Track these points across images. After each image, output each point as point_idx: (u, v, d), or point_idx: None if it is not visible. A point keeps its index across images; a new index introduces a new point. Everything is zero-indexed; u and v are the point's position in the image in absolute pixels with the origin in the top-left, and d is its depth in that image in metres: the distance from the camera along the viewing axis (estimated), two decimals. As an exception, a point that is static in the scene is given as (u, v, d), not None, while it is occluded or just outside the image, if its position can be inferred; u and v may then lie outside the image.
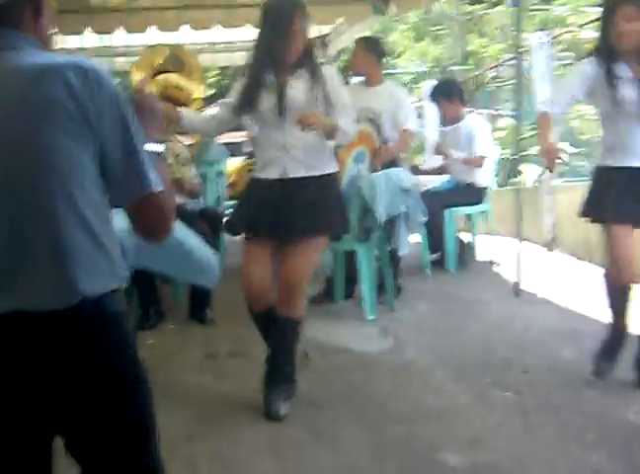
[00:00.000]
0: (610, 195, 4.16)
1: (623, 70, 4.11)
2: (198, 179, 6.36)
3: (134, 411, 1.93)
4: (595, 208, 4.26)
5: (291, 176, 4.06)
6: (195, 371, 4.86)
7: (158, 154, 2.00)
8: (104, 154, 1.81)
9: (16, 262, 1.77)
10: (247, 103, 4.05)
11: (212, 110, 5.61)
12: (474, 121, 7.61)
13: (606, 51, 4.14)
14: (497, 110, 11.93)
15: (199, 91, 4.10)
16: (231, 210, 5.02)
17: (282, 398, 4.08)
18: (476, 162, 7.40)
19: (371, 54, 6.33)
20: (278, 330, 4.13)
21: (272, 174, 4.09)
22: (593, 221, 4.35)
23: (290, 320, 4.10)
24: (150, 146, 1.94)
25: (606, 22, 4.13)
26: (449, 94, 7.55)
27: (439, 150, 7.82)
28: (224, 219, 6.86)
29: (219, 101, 4.18)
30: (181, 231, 4.25)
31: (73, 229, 1.78)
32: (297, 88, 4.03)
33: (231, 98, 4.17)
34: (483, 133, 7.51)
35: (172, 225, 1.99)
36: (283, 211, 4.03)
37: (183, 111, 4.12)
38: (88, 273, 1.80)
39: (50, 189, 1.76)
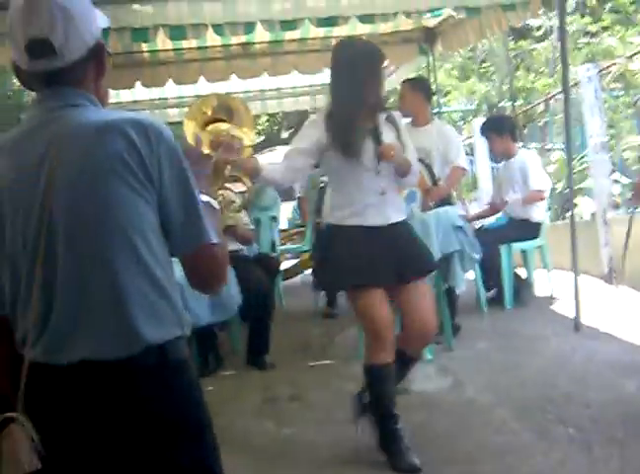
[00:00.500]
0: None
1: None
2: (251, 225, 6.43)
3: (203, 456, 1.95)
4: None
5: (392, 221, 4.03)
6: (254, 416, 4.88)
7: (210, 205, 2.04)
8: (163, 205, 1.87)
9: (81, 311, 1.83)
10: (351, 150, 3.92)
11: (270, 156, 5.69)
12: (526, 156, 7.58)
13: None
14: (547, 144, 11.87)
15: (249, 138, 4.13)
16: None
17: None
18: (535, 198, 7.35)
19: (419, 94, 6.39)
20: (403, 370, 4.13)
21: (371, 221, 3.98)
22: None
23: (417, 360, 4.19)
24: (202, 197, 1.99)
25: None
26: (500, 129, 7.54)
27: (495, 199, 7.77)
28: (279, 264, 6.95)
29: (289, 150, 4.11)
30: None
31: (135, 278, 1.83)
32: (387, 133, 4.02)
33: (302, 144, 4.03)
34: (536, 167, 7.48)
35: (226, 276, 2.03)
36: (393, 256, 3.96)
37: (261, 163, 3.97)
38: (151, 320, 1.84)
39: (112, 240, 1.82)
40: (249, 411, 4.98)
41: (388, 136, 4.01)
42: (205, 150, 3.72)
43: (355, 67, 3.93)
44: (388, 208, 4.03)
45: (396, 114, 4.20)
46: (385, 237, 3.99)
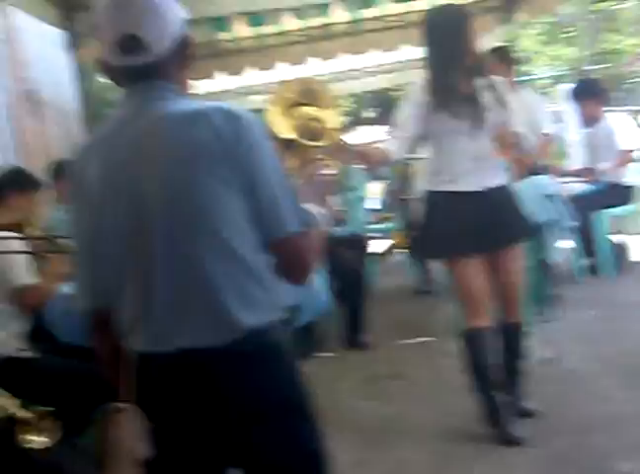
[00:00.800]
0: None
1: None
2: (339, 206, 6.43)
3: (306, 437, 1.99)
4: None
5: (491, 186, 3.99)
6: (356, 396, 4.89)
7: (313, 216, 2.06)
8: (251, 192, 1.88)
9: (179, 303, 1.87)
10: (452, 110, 3.88)
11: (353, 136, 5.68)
12: (614, 120, 7.40)
13: None
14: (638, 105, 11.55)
15: (333, 121, 4.12)
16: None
17: (526, 397, 4.15)
18: (624, 160, 7.19)
19: (502, 64, 6.28)
20: (511, 337, 4.15)
21: (469, 186, 3.96)
22: None
23: (520, 325, 4.17)
24: (312, 208, 2.00)
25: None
26: (593, 94, 7.38)
27: (587, 165, 7.61)
28: (368, 243, 6.94)
29: (390, 130, 4.10)
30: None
31: (227, 267, 1.86)
32: (484, 96, 3.97)
33: (408, 115, 4.00)
34: (626, 129, 7.29)
35: (310, 269, 2.03)
36: (488, 223, 3.95)
37: (384, 147, 4.00)
38: (246, 306, 1.87)
39: (198, 227, 1.85)
40: (351, 391, 4.99)
41: (488, 100, 3.96)
42: (291, 135, 3.73)
43: (445, 33, 3.91)
44: (484, 173, 3.99)
45: (498, 78, 4.13)
46: (481, 203, 3.96)
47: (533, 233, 4.44)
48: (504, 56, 6.38)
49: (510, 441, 3.89)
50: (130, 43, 1.88)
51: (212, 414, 1.88)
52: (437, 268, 6.17)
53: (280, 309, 1.97)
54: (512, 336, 4.17)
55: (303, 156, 3.72)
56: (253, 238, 1.90)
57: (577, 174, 7.66)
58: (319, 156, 4.27)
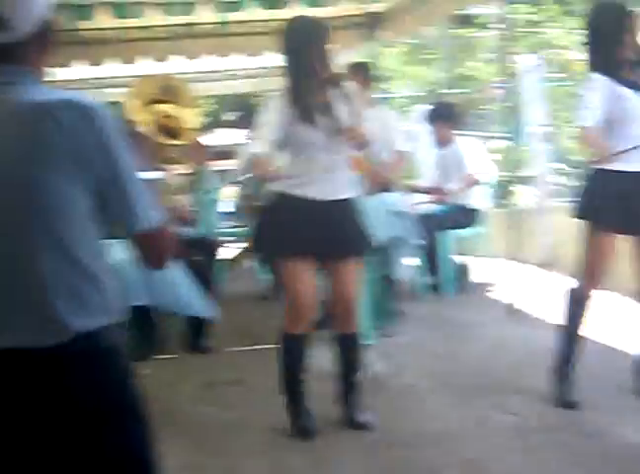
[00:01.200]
0: (609, 200, 4.19)
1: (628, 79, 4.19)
2: (191, 207, 6.35)
3: (134, 445, 1.93)
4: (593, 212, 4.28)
5: (336, 197, 4.08)
6: (194, 401, 4.84)
7: (152, 181, 2.02)
8: (99, 189, 1.83)
9: (5, 300, 1.79)
10: (309, 117, 3.98)
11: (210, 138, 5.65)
12: (465, 144, 7.63)
13: (614, 65, 4.18)
14: (489, 132, 11.96)
15: (192, 121, 4.09)
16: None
17: (362, 408, 4.26)
18: (470, 182, 7.43)
19: (360, 79, 6.37)
20: (344, 348, 4.26)
21: (316, 194, 4.04)
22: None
23: (355, 335, 4.27)
24: (146, 174, 1.96)
25: (614, 37, 4.16)
26: (446, 116, 7.58)
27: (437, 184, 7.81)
28: (218, 247, 6.90)
29: (251, 134, 4.12)
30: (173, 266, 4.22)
31: (58, 267, 1.79)
32: (339, 108, 4.05)
33: (268, 122, 4.07)
34: (475, 154, 7.51)
35: (168, 255, 2.01)
36: (328, 231, 4.03)
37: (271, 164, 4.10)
38: (77, 309, 1.81)
39: (37, 227, 1.78)
40: (189, 395, 4.93)
41: (342, 110, 4.04)
42: (148, 131, 3.67)
43: (303, 42, 4.00)
44: (334, 185, 4.08)
45: (351, 86, 4.22)
46: (325, 212, 4.06)
47: (371, 249, 4.53)
48: (362, 72, 6.46)
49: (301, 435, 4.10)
50: None
51: (32, 417, 1.80)
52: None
53: (117, 312, 1.92)
54: (346, 347, 4.28)
55: (158, 153, 3.68)
56: (94, 238, 1.86)
57: (426, 191, 7.86)
58: (173, 154, 4.23)
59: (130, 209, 1.86)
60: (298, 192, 4.07)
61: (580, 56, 10.30)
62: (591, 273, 4.32)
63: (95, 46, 8.00)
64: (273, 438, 4.18)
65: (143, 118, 3.86)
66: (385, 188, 6.06)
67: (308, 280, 4.11)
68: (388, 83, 17.10)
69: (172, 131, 4.17)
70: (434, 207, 7.53)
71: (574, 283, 4.41)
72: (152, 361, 5.55)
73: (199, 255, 5.88)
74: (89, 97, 1.92)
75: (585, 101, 4.22)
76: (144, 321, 5.72)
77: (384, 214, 5.66)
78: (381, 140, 6.21)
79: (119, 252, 1.95)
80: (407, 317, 6.40)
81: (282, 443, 4.13)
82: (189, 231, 6.27)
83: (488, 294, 7.40)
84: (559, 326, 4.43)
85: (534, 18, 16.14)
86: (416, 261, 7.09)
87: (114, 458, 1.88)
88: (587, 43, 4.30)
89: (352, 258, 4.19)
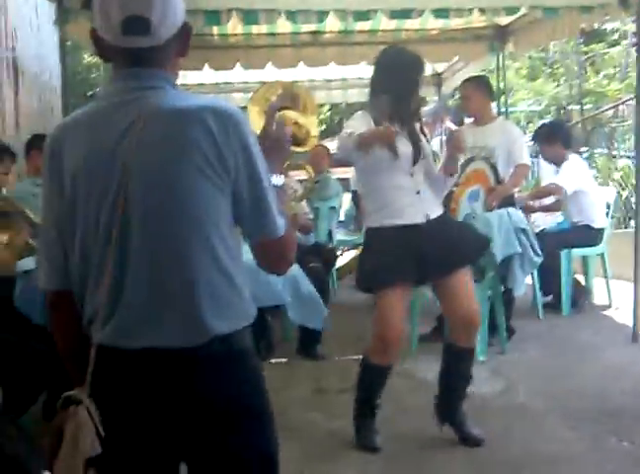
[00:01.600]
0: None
1: None
2: (310, 215, 6.42)
3: (264, 442, 1.99)
4: None
5: (432, 217, 4.09)
6: (304, 407, 4.88)
7: (280, 187, 2.04)
8: (237, 194, 1.87)
9: (151, 299, 1.84)
10: (391, 150, 4.00)
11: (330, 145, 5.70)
12: (572, 162, 7.41)
13: None
14: (614, 150, 11.67)
15: (315, 128, 4.11)
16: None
17: (470, 422, 4.26)
18: (544, 192, 7.31)
19: (481, 92, 6.33)
20: (459, 361, 4.24)
21: (411, 219, 4.05)
22: None
23: (473, 349, 4.27)
24: (273, 179, 1.99)
25: None
26: (550, 137, 7.41)
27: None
28: (336, 255, 6.93)
29: (345, 133, 4.17)
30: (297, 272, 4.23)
31: (207, 270, 1.84)
32: (422, 138, 4.13)
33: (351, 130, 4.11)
34: (566, 168, 7.28)
35: (291, 262, 2.04)
36: (429, 253, 4.02)
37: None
38: (220, 312, 1.85)
39: (187, 229, 1.82)
40: (298, 401, 4.97)
41: (423, 140, 4.13)
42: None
43: (402, 76, 4.07)
44: (425, 205, 4.09)
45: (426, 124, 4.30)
46: (428, 233, 4.05)
47: (480, 255, 4.59)
48: (482, 85, 6.43)
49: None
50: (137, 24, 1.83)
51: (170, 416, 1.86)
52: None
53: (251, 316, 1.96)
54: (461, 360, 4.24)
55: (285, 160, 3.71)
56: (233, 240, 1.90)
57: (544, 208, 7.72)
58: (299, 161, 4.28)
59: (263, 216, 1.90)
60: (393, 221, 4.08)
61: None
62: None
63: (224, 51, 8.15)
64: (382, 447, 4.17)
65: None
66: (507, 203, 5.98)
67: (399, 312, 4.08)
68: (512, 96, 16.90)
69: (296, 138, 4.20)
70: (554, 225, 7.38)
71: None
72: (265, 365, 5.61)
73: (316, 262, 5.92)
74: (228, 103, 1.96)
75: None
76: (261, 324, 5.79)
77: (505, 230, 5.58)
78: (504, 154, 6.14)
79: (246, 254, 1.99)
80: (522, 335, 6.30)
81: (389, 454, 4.12)
82: (308, 238, 6.34)
83: (608, 316, 7.20)
84: None
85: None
86: (534, 278, 6.96)
87: (246, 458, 1.94)
88: None
89: (460, 272, 4.14)
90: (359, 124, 4.09)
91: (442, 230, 4.11)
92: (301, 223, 6.06)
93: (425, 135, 4.19)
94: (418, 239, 4.02)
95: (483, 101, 6.35)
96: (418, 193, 4.08)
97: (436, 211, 4.14)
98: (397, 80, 4.06)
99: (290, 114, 4.39)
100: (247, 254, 1.99)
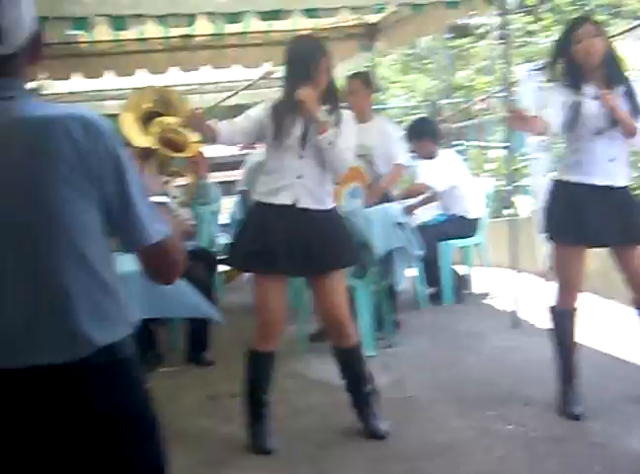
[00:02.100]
0: (572, 214, 4.23)
1: (589, 88, 4.19)
2: (192, 221, 6.36)
3: (152, 453, 1.96)
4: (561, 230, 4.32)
5: (302, 206, 4.08)
6: (195, 414, 4.83)
7: (163, 204, 2.01)
8: (105, 204, 1.83)
9: (32, 319, 1.78)
10: (280, 130, 4.06)
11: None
12: (442, 157, 7.58)
13: (574, 73, 4.20)
14: (487, 141, 11.99)
15: (194, 134, 4.09)
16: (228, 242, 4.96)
17: (378, 417, 4.26)
18: (414, 191, 7.49)
19: (369, 90, 6.37)
20: (345, 362, 4.28)
21: (283, 200, 4.07)
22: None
23: (354, 348, 4.27)
24: (155, 198, 1.96)
25: (568, 44, 4.19)
26: (419, 134, 7.53)
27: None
28: (218, 260, 6.88)
29: (246, 112, 4.18)
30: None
31: (84, 282, 1.80)
32: (317, 123, 4.07)
33: (250, 114, 4.21)
34: (437, 165, 7.44)
35: (180, 270, 2.00)
36: (299, 244, 4.04)
37: (217, 126, 4.09)
38: (100, 322, 1.82)
39: (58, 243, 1.77)
40: (189, 408, 4.93)
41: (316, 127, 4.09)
42: (149, 144, 3.66)
43: (290, 63, 4.11)
44: (302, 191, 4.09)
45: (346, 113, 4.29)
46: (296, 221, 4.07)
47: (354, 263, 4.62)
48: (369, 83, 6.46)
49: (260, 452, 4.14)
50: None
51: (58, 431, 1.80)
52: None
53: (132, 324, 1.93)
54: (347, 360, 4.29)
55: (163, 166, 3.68)
56: (107, 249, 1.87)
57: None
58: (176, 167, 4.23)
59: (134, 223, 1.86)
60: (268, 199, 4.12)
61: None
62: (565, 288, 4.37)
63: (94, 59, 8.00)
64: (274, 450, 4.16)
65: (145, 131, 3.86)
66: (384, 199, 6.06)
67: (278, 298, 4.12)
68: (384, 93, 17.14)
69: (176, 145, 4.17)
70: (433, 218, 7.52)
71: (553, 300, 4.42)
72: (152, 375, 5.53)
73: (199, 267, 5.86)
74: (92, 111, 1.91)
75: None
76: (146, 334, 5.71)
77: (384, 225, 5.65)
78: (382, 152, 6.21)
79: (124, 264, 1.95)
80: (408, 328, 6.40)
81: (283, 455, 4.12)
82: (190, 244, 6.27)
83: (488, 304, 7.39)
84: (553, 341, 4.44)
85: (530, 27, 16.20)
86: (416, 271, 7.08)
87: (135, 467, 1.90)
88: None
89: (332, 273, 4.17)
90: (257, 112, 4.18)
91: (313, 225, 4.11)
92: (184, 229, 6.00)
93: (338, 120, 4.14)
94: (283, 225, 4.04)
95: (367, 98, 6.37)
96: (299, 177, 4.08)
97: (309, 202, 4.10)
98: (293, 69, 4.09)
99: (171, 120, 4.35)
100: (135, 265, 1.95)
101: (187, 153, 4.05)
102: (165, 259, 1.96)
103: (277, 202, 4.08)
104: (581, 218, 4.19)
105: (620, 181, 4.25)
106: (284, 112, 4.08)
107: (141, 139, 3.90)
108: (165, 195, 2.06)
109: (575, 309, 4.39)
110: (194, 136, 4.01)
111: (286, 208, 4.06)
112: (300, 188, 4.08)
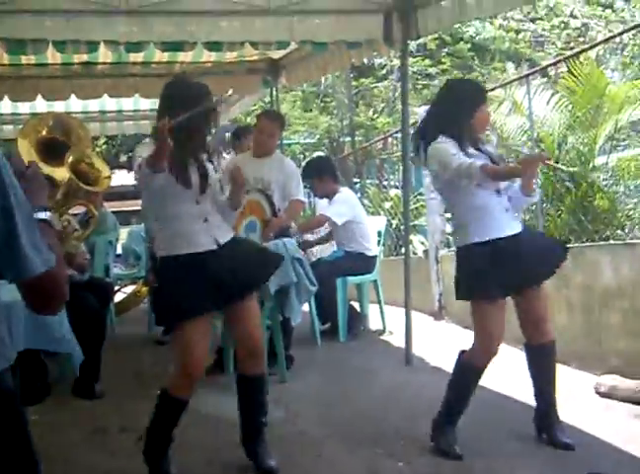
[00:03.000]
0: (490, 271, 4.26)
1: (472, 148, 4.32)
2: (87, 255, 6.26)
3: None
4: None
5: (222, 241, 4.07)
6: (83, 448, 4.71)
7: (46, 221, 1.92)
8: None
9: None
10: (183, 181, 3.99)
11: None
12: (343, 194, 7.69)
13: (462, 135, 4.29)
14: (385, 180, 12.17)
15: (106, 169, 4.04)
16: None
17: (268, 453, 4.23)
18: (313, 224, 7.69)
19: (277, 127, 6.43)
20: (252, 390, 4.23)
21: (201, 246, 4.02)
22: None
23: (262, 377, 4.25)
24: (40, 214, 1.89)
25: (462, 113, 4.30)
26: (320, 172, 7.63)
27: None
28: (113, 290, 6.79)
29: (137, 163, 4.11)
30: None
31: None
32: (209, 167, 4.13)
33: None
34: (337, 201, 7.56)
35: (62, 300, 1.93)
36: (222, 279, 4.00)
37: None
38: None
39: None
40: (77, 442, 4.80)
41: (210, 170, 4.13)
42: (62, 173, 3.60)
43: (182, 106, 3.90)
44: (218, 231, 4.10)
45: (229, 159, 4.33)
46: (219, 259, 4.04)
47: (265, 280, 4.65)
48: (280, 120, 6.55)
49: None
50: None
51: None
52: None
53: (8, 358, 1.86)
54: (254, 389, 4.25)
55: (67, 196, 3.63)
56: None
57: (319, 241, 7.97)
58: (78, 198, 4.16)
59: (14, 254, 1.75)
60: (183, 249, 4.03)
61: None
62: (488, 342, 4.37)
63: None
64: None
65: (64, 161, 3.80)
66: (281, 234, 6.08)
67: (203, 345, 4.06)
68: (288, 129, 17.26)
69: (87, 178, 4.12)
70: (331, 253, 7.58)
71: (467, 347, 4.47)
72: (41, 407, 5.39)
73: (91, 299, 5.77)
74: None
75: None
76: (33, 365, 5.57)
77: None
78: (280, 187, 6.25)
79: (9, 293, 1.88)
80: (301, 363, 6.40)
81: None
82: (83, 275, 6.16)
83: (383, 341, 7.46)
84: (450, 381, 4.49)
85: (430, 70, 16.58)
86: (310, 306, 7.10)
87: None
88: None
89: (247, 299, 4.15)
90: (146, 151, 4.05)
91: (233, 255, 4.09)
92: (78, 262, 5.89)
93: (212, 163, 4.17)
94: (212, 265, 3.99)
95: (276, 135, 6.48)
96: (206, 220, 4.06)
97: (225, 236, 4.12)
98: (184, 111, 3.91)
99: (89, 152, 4.30)
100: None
101: (98, 188, 4.00)
102: (47, 291, 1.86)
103: (192, 252, 4.01)
104: (497, 272, 4.25)
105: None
106: (183, 165, 4.02)
107: (53, 168, 3.84)
108: (45, 209, 1.94)
109: (486, 368, 4.39)
110: (107, 171, 3.96)
111: (207, 252, 4.03)
112: (214, 229, 4.09)
